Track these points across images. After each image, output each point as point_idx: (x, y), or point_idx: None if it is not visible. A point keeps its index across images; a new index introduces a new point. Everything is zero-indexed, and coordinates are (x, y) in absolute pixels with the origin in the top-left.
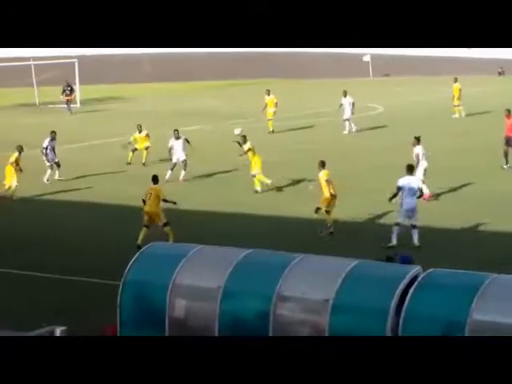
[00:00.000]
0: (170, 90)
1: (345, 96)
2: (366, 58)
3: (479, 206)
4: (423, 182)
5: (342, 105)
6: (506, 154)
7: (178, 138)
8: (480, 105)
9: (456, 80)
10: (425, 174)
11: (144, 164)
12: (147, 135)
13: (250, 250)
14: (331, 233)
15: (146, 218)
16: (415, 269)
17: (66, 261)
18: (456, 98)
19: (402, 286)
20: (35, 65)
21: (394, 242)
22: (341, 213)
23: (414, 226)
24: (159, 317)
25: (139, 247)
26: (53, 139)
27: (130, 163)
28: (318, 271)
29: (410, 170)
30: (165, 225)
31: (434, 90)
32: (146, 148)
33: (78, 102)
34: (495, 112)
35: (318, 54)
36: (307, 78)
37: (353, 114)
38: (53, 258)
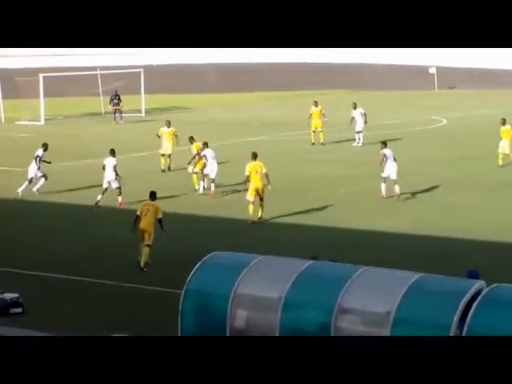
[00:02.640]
0: (234, 100)
1: (355, 108)
2: (432, 71)
3: None
4: (384, 181)
5: (353, 118)
6: None
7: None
8: None
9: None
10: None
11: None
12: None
13: (312, 262)
14: (253, 222)
15: (141, 234)
16: (478, 283)
17: (117, 268)
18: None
19: (464, 301)
20: (101, 74)
21: None
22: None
23: None
24: (220, 326)
25: (142, 269)
26: (45, 150)
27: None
28: (379, 284)
29: None
30: (148, 245)
31: (499, 104)
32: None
33: (143, 112)
34: None
35: (383, 66)
36: (372, 90)
37: (366, 123)
38: (102, 264)
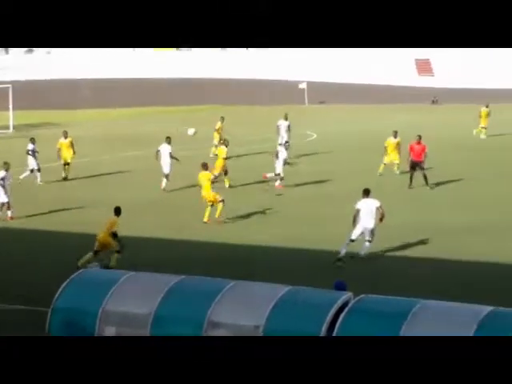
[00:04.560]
0: (106, 115)
1: (286, 119)
2: (302, 86)
3: (395, 232)
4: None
5: (278, 126)
6: (411, 178)
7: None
8: (411, 133)
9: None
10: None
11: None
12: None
13: (182, 277)
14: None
15: (96, 244)
16: (346, 295)
17: None
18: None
19: (332, 312)
20: None
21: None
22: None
23: (369, 241)
24: None
25: (78, 268)
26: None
27: None
28: (249, 297)
29: (367, 193)
30: (117, 251)
31: (369, 118)
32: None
33: (11, 127)
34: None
35: (254, 82)
36: (243, 105)
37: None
38: None
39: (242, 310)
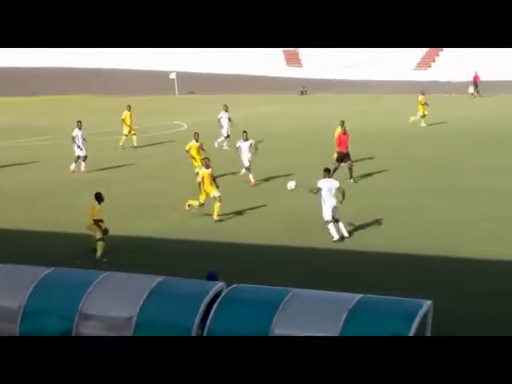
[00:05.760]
0: None
1: (226, 110)
2: (172, 76)
3: (284, 223)
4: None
5: (220, 118)
6: (350, 169)
7: None
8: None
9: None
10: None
11: None
12: None
13: (53, 269)
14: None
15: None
16: (218, 285)
17: None
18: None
19: (205, 302)
20: None
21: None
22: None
23: (337, 220)
24: None
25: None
26: None
27: None
28: (122, 288)
29: (328, 172)
30: (99, 240)
31: (238, 108)
32: None
33: None
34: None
35: (124, 72)
36: (112, 95)
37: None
38: None
39: (114, 302)
